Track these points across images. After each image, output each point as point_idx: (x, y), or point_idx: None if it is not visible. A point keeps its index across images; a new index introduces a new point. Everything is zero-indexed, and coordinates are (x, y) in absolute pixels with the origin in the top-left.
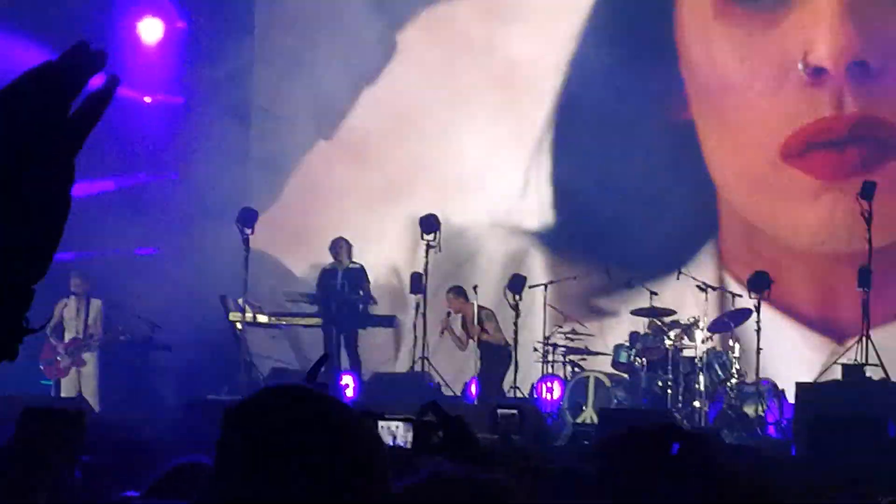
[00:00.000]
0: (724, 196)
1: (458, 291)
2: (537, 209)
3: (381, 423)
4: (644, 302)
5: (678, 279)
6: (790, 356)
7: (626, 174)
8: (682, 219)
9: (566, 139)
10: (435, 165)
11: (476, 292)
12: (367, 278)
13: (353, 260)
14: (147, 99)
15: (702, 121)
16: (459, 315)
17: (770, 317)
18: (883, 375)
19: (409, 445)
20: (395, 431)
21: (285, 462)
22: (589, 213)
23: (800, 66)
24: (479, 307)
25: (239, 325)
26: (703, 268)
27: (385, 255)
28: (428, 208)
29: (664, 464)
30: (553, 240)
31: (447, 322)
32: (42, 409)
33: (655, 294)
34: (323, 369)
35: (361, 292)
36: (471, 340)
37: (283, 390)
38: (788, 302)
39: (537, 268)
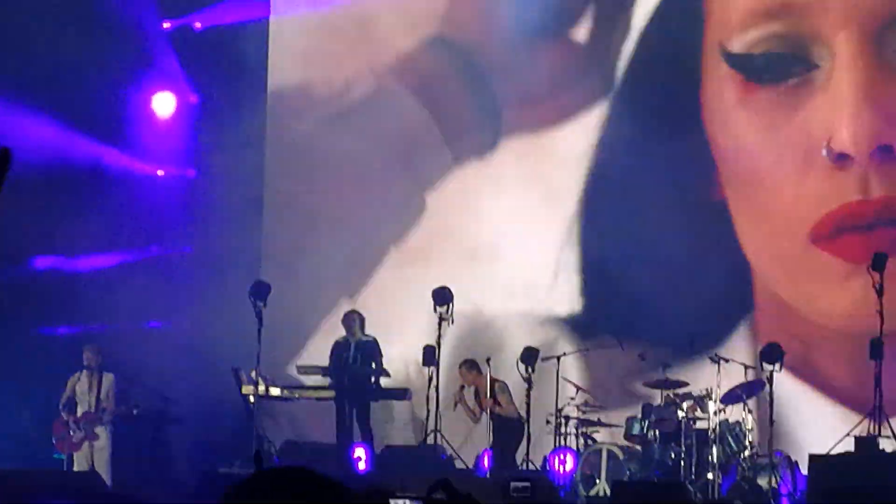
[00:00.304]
0: (759, 274)
1: (471, 365)
2: (567, 293)
3: (392, 502)
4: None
5: (714, 361)
6: (816, 427)
7: (658, 251)
8: (717, 296)
9: (597, 217)
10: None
11: (489, 365)
12: (380, 351)
13: (366, 333)
14: (160, 172)
15: (733, 201)
16: (472, 387)
17: (799, 389)
18: None
19: None
20: None
21: None
22: (620, 292)
23: (824, 151)
24: (493, 380)
25: (251, 398)
26: (738, 344)
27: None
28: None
29: None
30: (583, 324)
31: (460, 395)
32: None
33: (669, 366)
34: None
35: (374, 365)
36: (483, 413)
37: (280, 473)
38: (822, 378)
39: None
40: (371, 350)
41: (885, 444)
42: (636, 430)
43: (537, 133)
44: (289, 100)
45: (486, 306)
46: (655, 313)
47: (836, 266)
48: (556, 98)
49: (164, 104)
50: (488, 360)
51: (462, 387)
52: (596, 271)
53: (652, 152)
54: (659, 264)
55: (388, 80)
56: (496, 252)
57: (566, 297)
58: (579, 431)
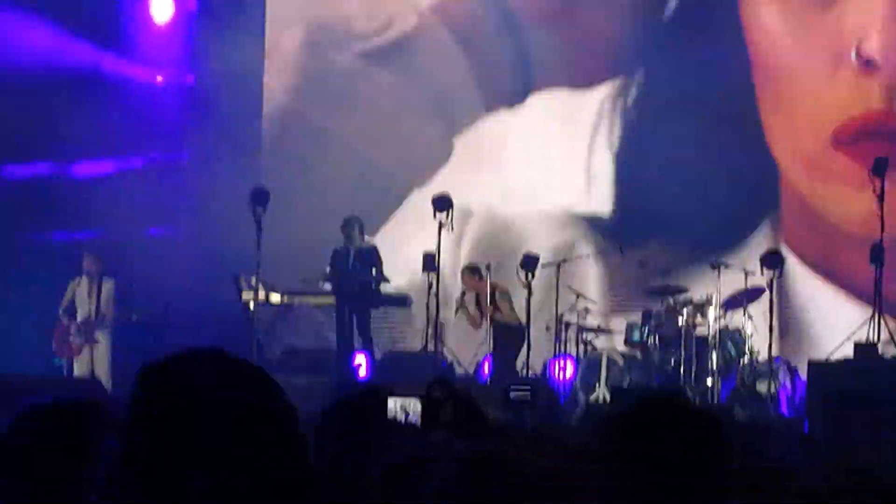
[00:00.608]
0: (784, 173)
1: (473, 270)
2: (595, 195)
3: (391, 400)
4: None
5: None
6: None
7: (687, 153)
8: (743, 197)
9: (626, 124)
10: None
11: (490, 271)
12: (380, 258)
13: (366, 240)
14: (158, 78)
15: (763, 100)
16: (474, 293)
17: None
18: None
19: (419, 422)
20: (408, 408)
21: (196, 425)
22: (649, 196)
23: (852, 54)
24: (493, 285)
25: (251, 305)
26: (763, 243)
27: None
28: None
29: (671, 439)
30: (609, 226)
31: (461, 300)
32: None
33: (668, 272)
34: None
35: (374, 272)
36: (484, 319)
37: (197, 354)
38: (843, 278)
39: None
40: (371, 257)
41: (885, 350)
42: (636, 336)
43: (570, 90)
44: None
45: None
46: (681, 217)
47: (855, 171)
48: (593, 58)
49: (162, 9)
50: (489, 266)
51: (464, 293)
52: (622, 175)
53: (688, 54)
54: (685, 171)
55: (428, 19)
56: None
57: (594, 199)
58: (579, 338)
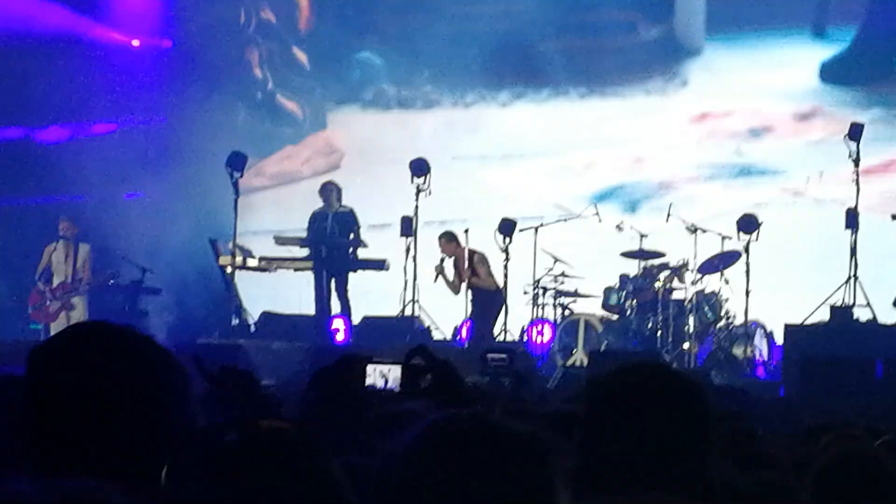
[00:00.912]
0: None
1: (450, 236)
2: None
3: (370, 367)
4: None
5: (667, 221)
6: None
7: None
8: None
9: None
10: None
11: (467, 236)
12: (358, 222)
13: (343, 204)
14: (135, 42)
15: None
16: (452, 258)
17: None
18: (871, 317)
19: (398, 388)
20: (388, 374)
21: (87, 395)
22: None
23: None
24: (471, 251)
25: (229, 269)
26: None
27: None
28: None
29: (650, 404)
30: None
31: (441, 266)
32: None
33: (645, 236)
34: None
35: (352, 236)
36: (463, 284)
37: (82, 327)
38: None
39: None
40: (349, 221)
41: (860, 314)
42: (613, 300)
43: None
44: None
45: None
46: None
47: None
48: None
49: None
50: (466, 231)
51: (442, 258)
52: None
53: None
54: None
55: None
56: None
57: None
58: (556, 302)
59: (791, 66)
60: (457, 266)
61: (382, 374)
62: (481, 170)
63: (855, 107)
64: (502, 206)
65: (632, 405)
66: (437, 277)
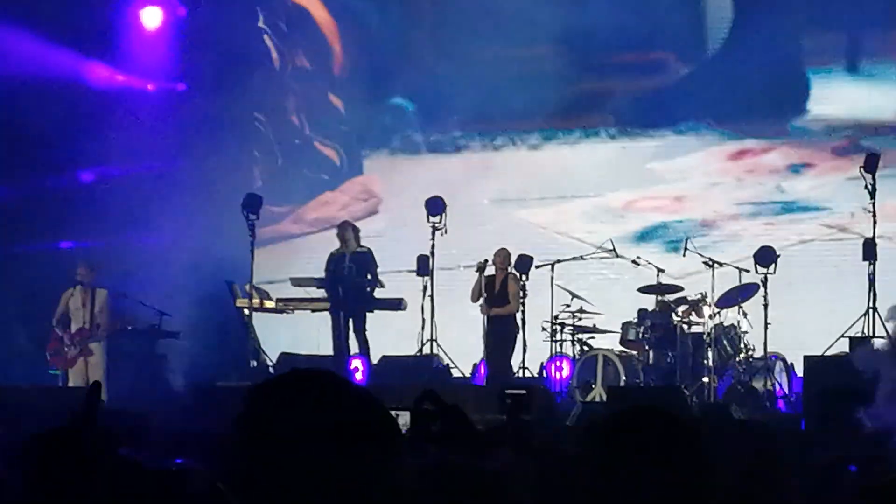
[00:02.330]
0: None
1: (507, 253)
2: None
3: None
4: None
5: (685, 256)
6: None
7: None
8: None
9: None
10: None
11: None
12: (375, 262)
13: (361, 244)
14: (150, 86)
15: None
16: (491, 269)
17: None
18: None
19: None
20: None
21: (306, 436)
22: None
23: None
24: (515, 275)
25: (246, 312)
26: None
27: None
28: None
29: (646, 448)
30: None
31: (483, 265)
32: None
33: (662, 271)
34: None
35: (369, 276)
36: (482, 298)
37: (301, 373)
38: None
39: None
40: (366, 261)
41: (879, 345)
42: (632, 335)
43: None
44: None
45: None
46: None
47: None
48: None
49: (151, 17)
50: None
51: (486, 261)
52: None
53: None
54: None
55: None
56: None
57: None
58: (575, 338)
59: (826, 101)
60: (491, 282)
61: None
62: (519, 210)
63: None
64: (543, 246)
65: (627, 450)
66: (477, 270)
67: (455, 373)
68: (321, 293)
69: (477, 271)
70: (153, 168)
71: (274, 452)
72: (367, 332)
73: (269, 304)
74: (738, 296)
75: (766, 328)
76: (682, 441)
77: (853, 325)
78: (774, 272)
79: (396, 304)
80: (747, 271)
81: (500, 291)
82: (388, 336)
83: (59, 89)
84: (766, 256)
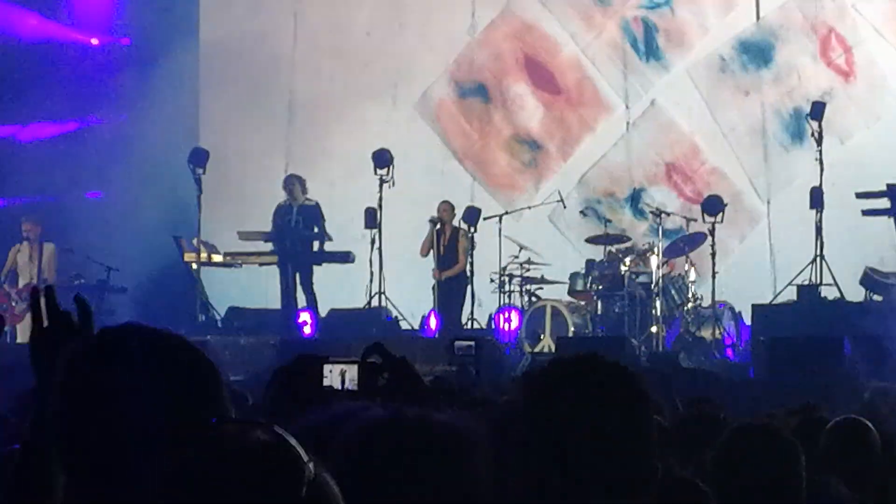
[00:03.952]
0: None
1: (452, 206)
2: None
3: (327, 367)
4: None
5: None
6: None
7: None
8: None
9: None
10: None
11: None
12: (322, 215)
13: (308, 196)
14: (94, 41)
15: None
16: (439, 225)
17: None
18: (837, 295)
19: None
20: (345, 374)
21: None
22: None
23: None
24: (463, 228)
25: (194, 266)
26: None
27: None
28: None
29: (586, 395)
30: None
31: (436, 220)
32: None
33: (610, 222)
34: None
35: (316, 229)
36: (431, 251)
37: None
38: None
39: None
40: (313, 213)
41: (826, 292)
42: (579, 286)
43: None
44: None
45: None
46: None
47: None
48: None
49: None
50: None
51: (436, 221)
52: None
53: None
54: None
55: None
56: None
57: None
58: (523, 289)
59: None
60: (441, 233)
61: (341, 374)
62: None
63: None
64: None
65: (567, 398)
66: (430, 221)
67: (404, 325)
68: (269, 246)
69: (430, 222)
70: (98, 122)
71: (94, 411)
72: (314, 286)
73: (216, 258)
74: (685, 245)
75: (713, 277)
76: (623, 387)
77: (800, 272)
78: (722, 221)
79: (344, 257)
80: (695, 220)
81: (448, 247)
82: (337, 289)
83: (3, 44)
84: (713, 206)
